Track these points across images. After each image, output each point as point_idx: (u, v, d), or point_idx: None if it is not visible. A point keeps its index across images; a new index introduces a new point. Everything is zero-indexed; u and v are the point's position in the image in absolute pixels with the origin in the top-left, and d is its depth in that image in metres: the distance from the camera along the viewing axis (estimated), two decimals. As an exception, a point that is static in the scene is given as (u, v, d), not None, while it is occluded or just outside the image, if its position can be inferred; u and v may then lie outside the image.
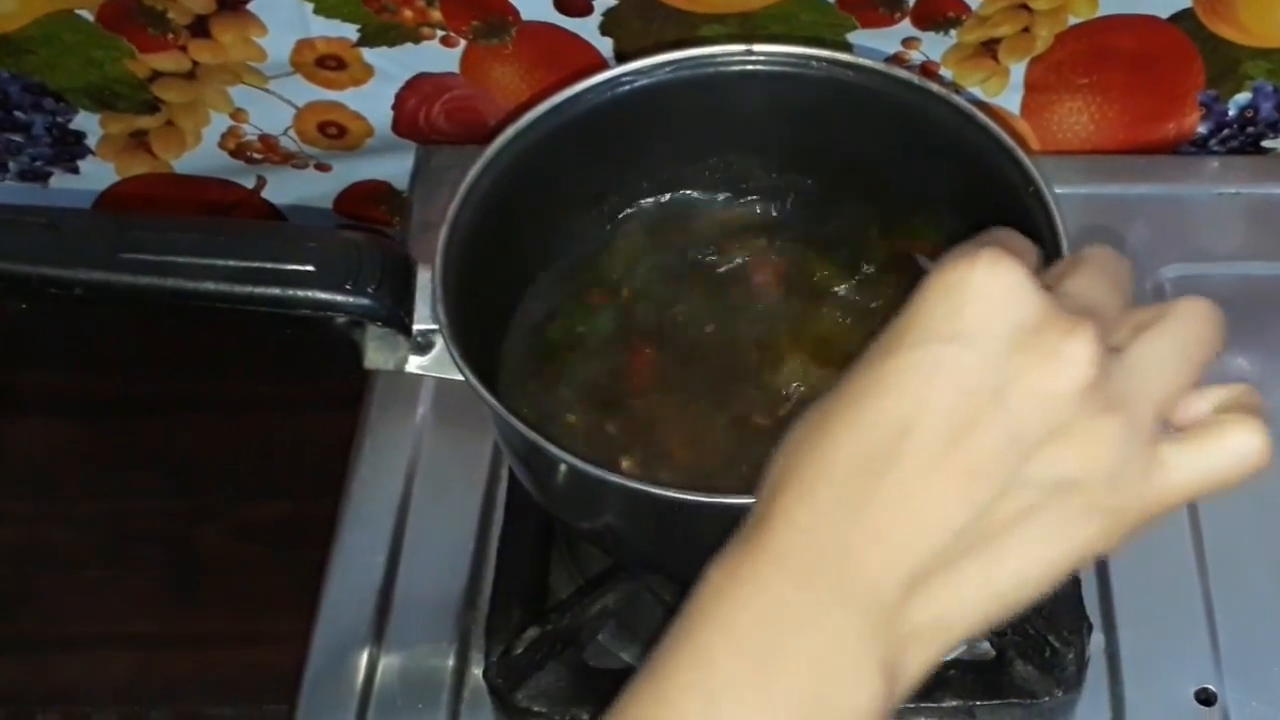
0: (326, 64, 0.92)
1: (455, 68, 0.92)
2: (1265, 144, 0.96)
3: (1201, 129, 0.95)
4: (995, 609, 0.46)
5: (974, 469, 0.45)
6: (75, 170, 1.00)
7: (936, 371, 0.46)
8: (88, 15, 0.89)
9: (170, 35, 0.90)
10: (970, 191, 0.71)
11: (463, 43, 0.91)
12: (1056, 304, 0.46)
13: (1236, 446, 0.48)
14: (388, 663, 0.74)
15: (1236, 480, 0.48)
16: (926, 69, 0.91)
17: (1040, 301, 0.46)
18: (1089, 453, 0.45)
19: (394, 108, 0.95)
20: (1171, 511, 0.48)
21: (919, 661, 0.46)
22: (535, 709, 0.71)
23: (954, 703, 0.70)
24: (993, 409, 0.45)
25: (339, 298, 0.64)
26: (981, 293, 0.46)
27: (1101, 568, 0.75)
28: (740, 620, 0.45)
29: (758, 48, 0.72)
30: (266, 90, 0.94)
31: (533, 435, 0.61)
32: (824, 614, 0.45)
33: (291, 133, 0.97)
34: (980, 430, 0.45)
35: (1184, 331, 0.49)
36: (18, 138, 0.98)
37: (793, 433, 0.48)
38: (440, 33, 0.90)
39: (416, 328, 0.65)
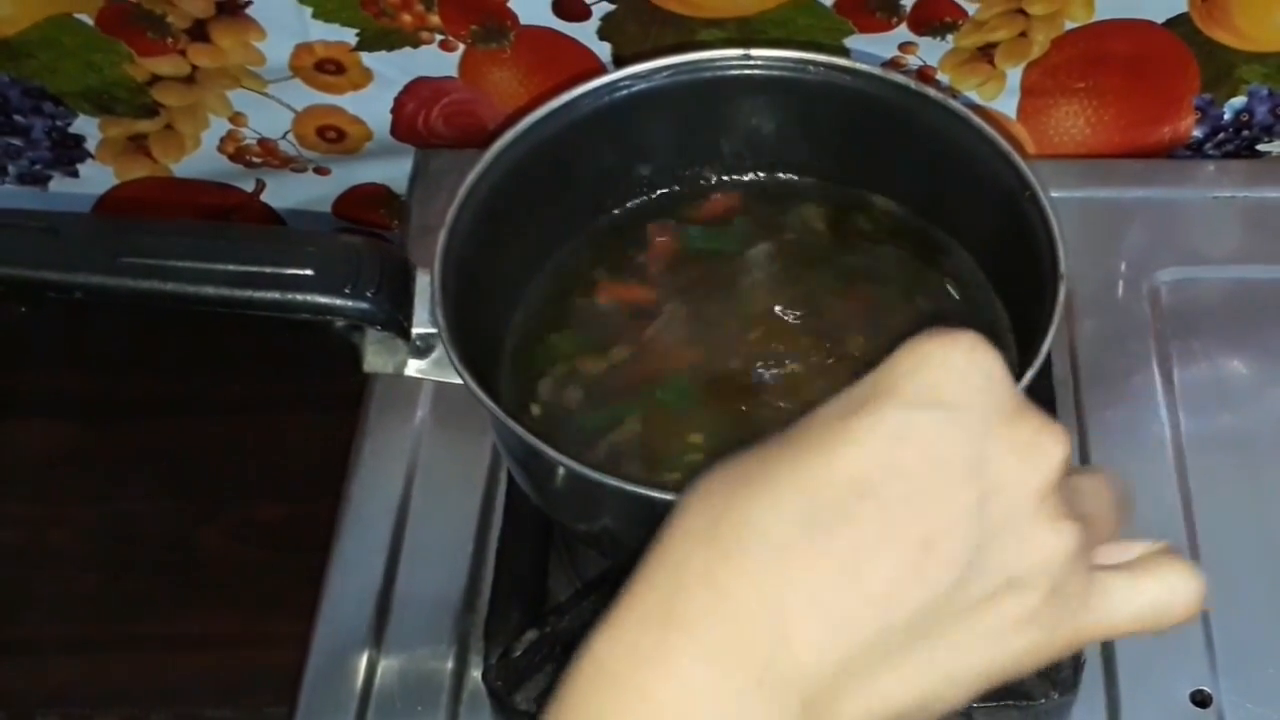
0: (325, 68, 0.92)
1: (454, 72, 0.93)
2: (1260, 148, 0.96)
3: (1197, 133, 0.95)
4: (917, 707, 0.43)
5: (932, 542, 0.42)
6: (74, 174, 1.00)
7: (909, 436, 0.43)
8: (87, 19, 0.89)
9: (169, 39, 0.90)
10: (966, 195, 0.71)
11: (461, 47, 0.91)
12: (1029, 402, 0.45)
13: (1174, 585, 0.47)
14: (387, 665, 0.74)
15: (1169, 620, 0.48)
16: (923, 74, 0.91)
17: (1018, 395, 0.45)
18: (1042, 555, 0.43)
19: (393, 112, 0.95)
20: (1092, 642, 0.48)
21: None
22: (534, 711, 0.71)
23: (950, 705, 0.70)
24: (962, 484, 0.42)
25: (338, 301, 0.64)
26: (964, 372, 0.44)
27: (1097, 570, 0.75)
28: (640, 714, 0.40)
29: (755, 52, 0.72)
30: (265, 94, 0.94)
31: (531, 438, 0.61)
32: (740, 703, 0.40)
33: (290, 137, 0.97)
34: (946, 504, 0.42)
35: (1116, 489, 0.49)
36: (17, 141, 0.98)
37: (715, 476, 0.44)
38: (439, 37, 0.90)
39: (415, 331, 0.66)
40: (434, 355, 0.67)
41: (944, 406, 0.43)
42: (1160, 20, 0.88)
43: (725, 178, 0.76)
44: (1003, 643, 0.44)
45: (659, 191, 0.76)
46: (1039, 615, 0.44)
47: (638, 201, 0.76)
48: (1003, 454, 0.43)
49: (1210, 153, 0.97)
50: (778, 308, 0.71)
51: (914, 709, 0.43)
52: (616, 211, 0.76)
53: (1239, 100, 0.93)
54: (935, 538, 0.42)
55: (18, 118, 0.96)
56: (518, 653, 0.70)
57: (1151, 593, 0.47)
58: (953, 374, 0.44)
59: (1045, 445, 0.44)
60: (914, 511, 0.42)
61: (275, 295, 0.64)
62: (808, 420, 0.44)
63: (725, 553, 0.41)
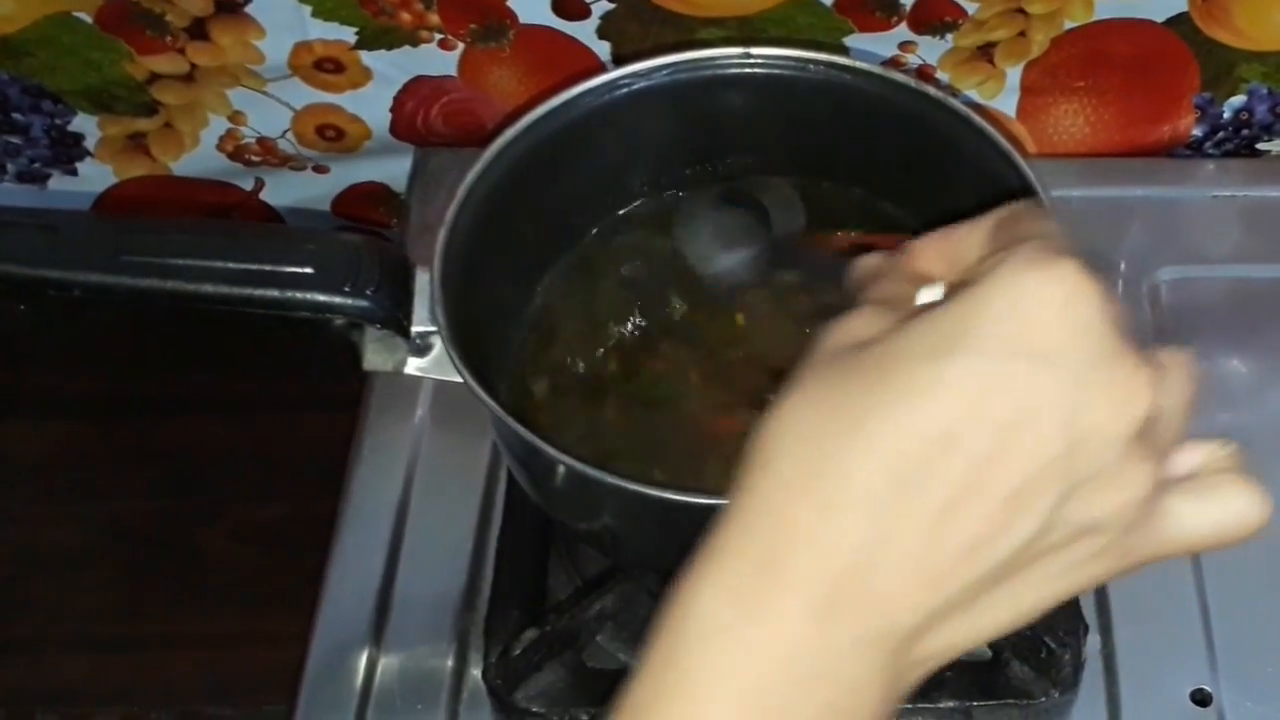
0: (324, 67, 0.92)
1: (453, 71, 0.93)
2: (1260, 146, 0.96)
3: (1197, 132, 0.95)
4: (995, 635, 0.45)
5: (1020, 495, 0.42)
6: (74, 172, 1.00)
7: (1002, 387, 0.42)
8: (86, 18, 0.89)
9: (168, 38, 0.90)
10: (966, 194, 0.71)
11: (461, 46, 0.91)
12: (1122, 336, 0.43)
13: (1239, 507, 0.46)
14: (387, 663, 0.74)
15: (1236, 539, 0.47)
16: (923, 72, 0.91)
17: (1113, 332, 0.43)
18: (1123, 499, 0.43)
19: (392, 110, 0.95)
20: (1165, 560, 0.46)
21: (909, 686, 0.44)
22: (534, 709, 0.71)
23: (951, 703, 0.70)
24: (1052, 438, 0.42)
25: (338, 299, 0.64)
26: (1062, 314, 0.42)
27: (1097, 569, 0.75)
28: (745, 668, 0.41)
29: (755, 51, 0.72)
30: (265, 93, 0.94)
31: (530, 436, 0.61)
32: (840, 658, 0.42)
33: (290, 135, 0.97)
34: (1034, 457, 0.42)
35: (1187, 383, 0.46)
36: (16, 139, 0.98)
37: (795, 412, 0.43)
38: (438, 36, 0.90)
39: (415, 329, 0.66)
40: (433, 353, 0.66)
41: (1039, 356, 0.42)
42: (1160, 19, 0.88)
43: (724, 177, 0.76)
44: (1075, 576, 0.44)
45: (658, 190, 0.76)
46: (1110, 548, 0.44)
47: (637, 200, 0.76)
48: (1095, 402, 0.42)
49: (1210, 152, 0.97)
50: (775, 307, 0.71)
51: (984, 640, 0.44)
52: (616, 210, 0.76)
53: (1239, 99, 0.93)
54: (1021, 492, 0.42)
55: (17, 116, 0.96)
56: (517, 651, 0.70)
57: (1216, 516, 0.46)
58: (1051, 317, 0.42)
59: (1137, 390, 0.43)
60: (1001, 465, 0.42)
61: (275, 293, 0.63)
62: (893, 352, 0.43)
63: (823, 509, 0.42)
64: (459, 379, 0.62)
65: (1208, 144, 0.96)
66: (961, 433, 0.41)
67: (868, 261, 0.51)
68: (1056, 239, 0.45)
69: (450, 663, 0.74)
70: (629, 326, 0.72)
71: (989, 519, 0.42)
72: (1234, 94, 0.93)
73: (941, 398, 0.42)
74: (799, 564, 0.42)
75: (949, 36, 0.89)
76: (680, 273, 0.73)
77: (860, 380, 0.43)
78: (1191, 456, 0.46)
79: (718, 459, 0.67)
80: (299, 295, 0.64)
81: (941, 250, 0.49)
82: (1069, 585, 0.44)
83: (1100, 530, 0.43)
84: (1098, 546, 0.44)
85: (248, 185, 1.02)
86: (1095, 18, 0.88)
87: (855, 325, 0.45)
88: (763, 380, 0.69)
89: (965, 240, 0.48)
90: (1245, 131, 0.95)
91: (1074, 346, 0.42)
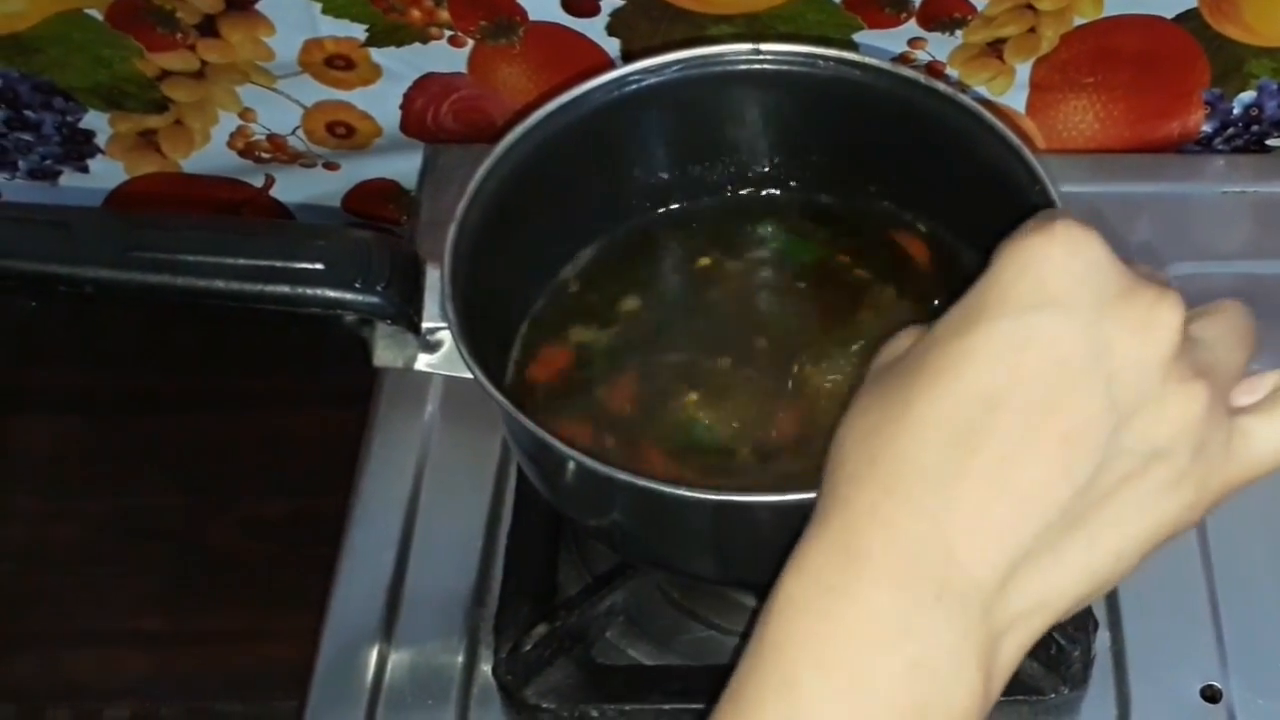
0: (335, 64, 0.92)
1: (463, 68, 0.93)
2: (1270, 143, 0.96)
3: (1206, 128, 0.95)
4: (1091, 587, 0.45)
5: (1072, 437, 0.44)
6: (84, 169, 1.01)
7: (1027, 341, 0.44)
8: (97, 14, 0.89)
9: (179, 34, 0.90)
10: (976, 190, 0.71)
11: (470, 43, 0.91)
12: (1136, 272, 0.46)
13: None
14: (397, 659, 0.74)
15: None
16: (933, 69, 0.91)
17: (1121, 268, 0.45)
18: (1180, 421, 0.45)
19: (402, 107, 0.95)
20: (1250, 484, 0.47)
21: (1014, 649, 0.45)
22: (544, 705, 0.71)
23: (960, 699, 0.70)
24: (1088, 376, 0.44)
25: (348, 296, 0.64)
26: (1065, 264, 0.45)
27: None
28: (828, 634, 0.43)
29: (765, 47, 0.72)
30: (275, 90, 0.94)
31: (541, 432, 0.61)
32: (921, 617, 0.43)
33: (300, 132, 0.97)
34: (1076, 397, 0.44)
35: (1239, 320, 0.49)
36: (27, 136, 0.98)
37: (857, 415, 0.46)
38: (448, 33, 0.90)
39: (425, 325, 0.66)
40: (444, 349, 0.66)
41: (1055, 304, 0.44)
42: (1169, 16, 0.88)
43: (733, 173, 0.76)
44: (1159, 508, 0.45)
45: (668, 187, 0.76)
46: (1188, 474, 0.45)
47: (647, 197, 0.76)
48: (1121, 335, 0.44)
49: (1219, 148, 0.97)
50: (785, 306, 0.71)
51: (1086, 588, 0.45)
52: (625, 206, 0.76)
53: (1248, 95, 0.93)
54: (1072, 432, 0.44)
55: (28, 113, 0.96)
56: (528, 647, 0.70)
57: None
58: (1056, 269, 0.45)
59: (1161, 316, 0.45)
60: (1046, 412, 0.44)
61: (285, 289, 0.64)
62: (927, 344, 0.46)
63: (887, 488, 0.44)
64: (469, 375, 0.62)
65: (1217, 140, 0.96)
66: (1000, 390, 0.44)
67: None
68: (1048, 214, 0.48)
69: (461, 659, 0.74)
70: (641, 323, 0.72)
71: (1046, 464, 0.44)
72: (1244, 90, 0.93)
73: (974, 364, 0.44)
74: (871, 541, 0.44)
75: (958, 33, 0.89)
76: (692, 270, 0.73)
77: (903, 376, 0.46)
78: (1261, 385, 0.49)
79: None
80: (309, 291, 0.64)
81: None
82: (1154, 520, 0.45)
83: (1167, 456, 0.45)
84: (1171, 474, 0.45)
85: (258, 182, 1.02)
86: (1105, 14, 0.88)
87: (897, 342, 0.49)
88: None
89: None
90: (1255, 127, 0.95)
91: (1086, 289, 0.44)
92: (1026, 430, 0.44)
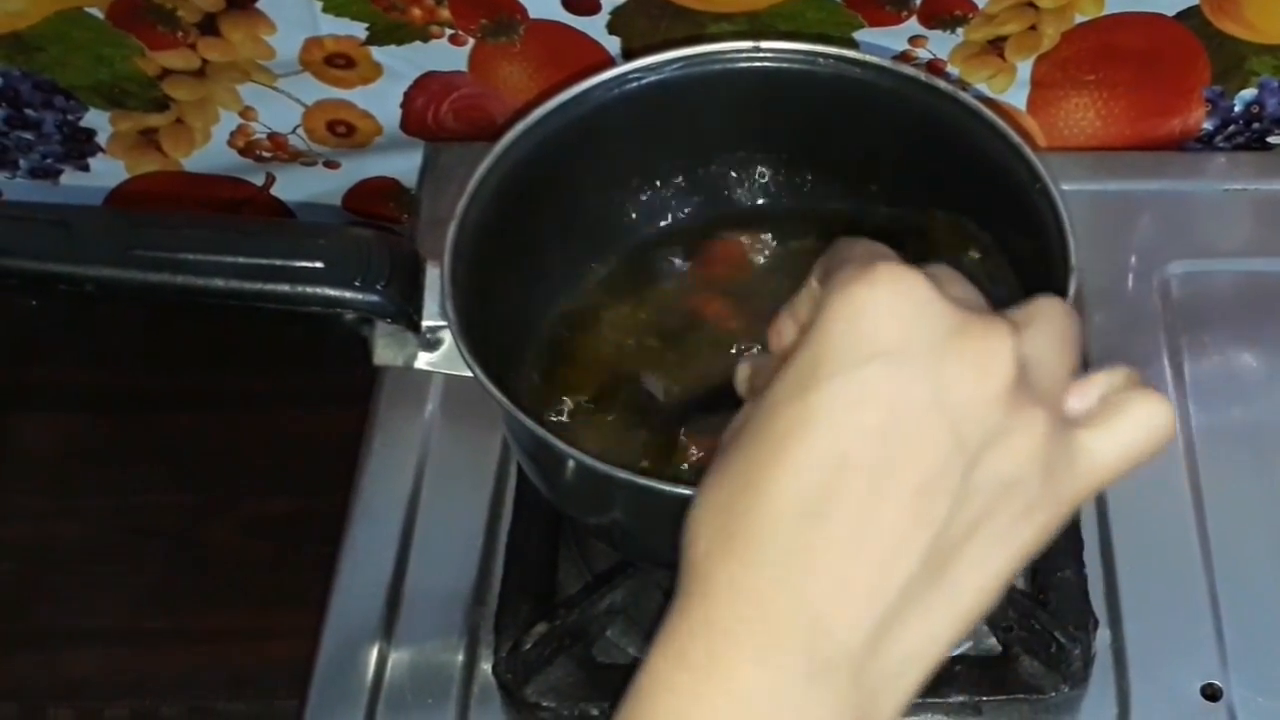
0: (335, 62, 0.92)
1: (464, 66, 0.93)
2: (1271, 140, 0.96)
3: (1207, 125, 0.95)
4: (962, 628, 0.45)
5: (924, 487, 0.43)
6: (85, 168, 1.01)
7: (866, 396, 0.43)
8: (98, 13, 0.89)
9: (180, 33, 0.90)
10: (977, 188, 0.71)
11: (471, 41, 0.91)
12: (961, 307, 0.45)
13: (1147, 419, 0.47)
14: (397, 658, 0.74)
15: (1153, 452, 0.47)
16: (933, 67, 0.91)
17: (948, 307, 0.45)
18: (1025, 450, 0.44)
19: (402, 106, 0.95)
20: (1092, 495, 0.47)
21: (898, 698, 0.44)
22: (544, 704, 0.71)
23: (960, 698, 0.70)
24: (931, 422, 0.43)
25: (348, 294, 0.64)
26: (892, 310, 0.44)
27: (1107, 563, 0.75)
28: (695, 715, 0.42)
29: (765, 44, 0.72)
30: (275, 88, 0.94)
31: (541, 431, 0.61)
32: (791, 694, 0.42)
33: (300, 131, 0.97)
34: (923, 446, 0.43)
35: (1058, 325, 0.48)
36: (28, 135, 0.98)
37: (709, 490, 0.45)
38: (449, 31, 0.90)
39: (425, 324, 0.66)
40: (444, 348, 0.66)
41: (888, 354, 0.44)
42: (1170, 13, 0.88)
43: (733, 170, 0.76)
44: (1017, 538, 0.45)
45: (668, 185, 0.76)
46: (1039, 499, 0.45)
47: (647, 195, 0.76)
48: (959, 375, 0.44)
49: (1221, 145, 0.96)
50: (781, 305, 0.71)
51: (957, 630, 0.45)
52: (625, 205, 0.76)
53: (1249, 92, 0.93)
54: (923, 482, 0.43)
55: (29, 112, 0.96)
56: (528, 645, 0.70)
57: (1128, 434, 0.47)
58: (884, 316, 0.44)
59: (994, 349, 0.44)
60: (895, 466, 0.43)
61: (285, 288, 0.64)
62: (766, 409, 0.45)
63: (745, 562, 0.43)
64: (469, 374, 0.62)
65: (1218, 137, 0.96)
66: (846, 451, 0.43)
67: (743, 369, 0.53)
68: (867, 253, 0.47)
69: (461, 657, 0.74)
70: (640, 321, 0.72)
71: (901, 518, 0.43)
72: (1245, 87, 0.93)
73: (817, 427, 0.43)
74: (733, 616, 0.42)
75: (959, 31, 0.89)
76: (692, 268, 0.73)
77: (750, 445, 0.44)
78: (1090, 390, 0.48)
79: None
80: (309, 290, 0.64)
81: (792, 317, 0.50)
82: (1014, 551, 0.45)
83: (1018, 486, 0.44)
84: (1024, 502, 0.45)
85: (259, 181, 1.02)
86: (1106, 11, 0.88)
87: (742, 414, 0.47)
88: None
89: (803, 298, 0.50)
90: (1256, 125, 0.95)
91: (917, 333, 0.44)
92: (877, 487, 0.43)
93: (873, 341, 0.44)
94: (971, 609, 0.44)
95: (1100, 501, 0.77)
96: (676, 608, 0.44)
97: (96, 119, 0.97)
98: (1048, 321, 0.47)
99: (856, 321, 0.44)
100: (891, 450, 0.43)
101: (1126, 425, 0.47)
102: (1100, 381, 0.48)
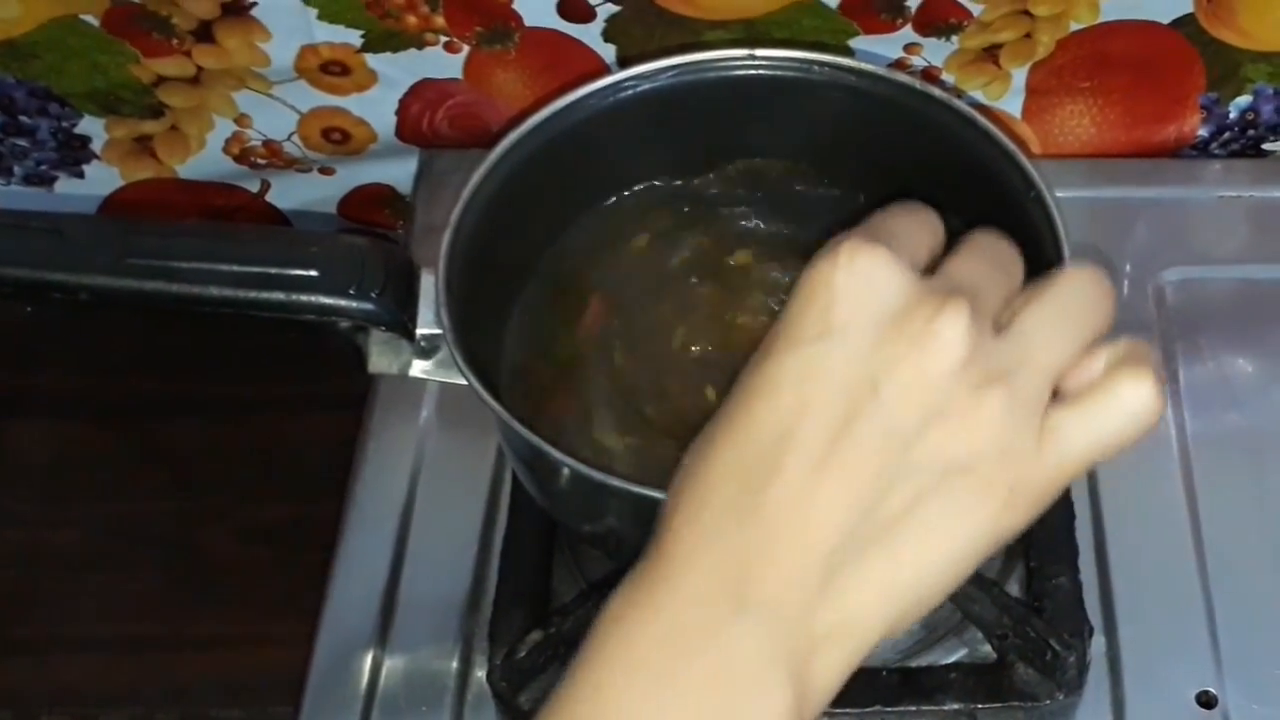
0: (330, 70, 0.92)
1: (458, 74, 0.93)
2: (1266, 147, 0.96)
3: (1202, 132, 0.95)
4: (904, 604, 0.46)
5: (854, 466, 0.45)
6: (80, 175, 1.01)
7: (808, 373, 0.45)
8: (93, 20, 0.89)
9: (174, 40, 0.90)
10: (972, 195, 0.71)
11: (466, 49, 0.91)
12: (924, 285, 0.46)
13: (1127, 402, 0.47)
14: (391, 665, 0.74)
15: (1132, 437, 0.47)
16: (928, 74, 0.91)
17: (905, 285, 0.46)
18: (974, 431, 0.45)
19: (397, 114, 0.95)
20: (1074, 479, 0.47)
21: (831, 666, 0.45)
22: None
23: (955, 705, 0.70)
24: (867, 402, 0.45)
25: (342, 302, 0.64)
26: (846, 287, 0.46)
27: (1102, 570, 0.75)
28: (636, 643, 0.45)
29: (760, 52, 0.72)
30: (270, 96, 0.94)
31: (535, 439, 0.61)
32: (722, 628, 0.44)
33: (295, 138, 0.97)
34: (857, 426, 0.45)
35: (1070, 298, 0.48)
36: (23, 142, 0.98)
37: (687, 452, 0.48)
38: (443, 39, 0.90)
39: (420, 332, 0.66)
40: (438, 356, 0.67)
41: (834, 332, 0.45)
42: (1166, 21, 0.88)
43: (728, 179, 0.76)
44: (965, 520, 0.45)
45: (663, 192, 0.76)
46: (994, 483, 0.45)
47: (642, 203, 0.76)
48: (900, 354, 0.45)
49: (1216, 152, 0.96)
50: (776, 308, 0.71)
51: (896, 606, 0.46)
52: (620, 212, 0.75)
53: (1245, 99, 0.93)
54: (857, 461, 0.45)
55: (23, 118, 0.96)
56: (522, 654, 0.70)
57: (1104, 420, 0.47)
58: (837, 295, 0.46)
59: (940, 329, 0.45)
60: (831, 442, 0.45)
61: (280, 296, 0.64)
62: (740, 375, 0.47)
63: (687, 518, 0.46)
64: (464, 381, 0.62)
65: (1214, 144, 0.96)
66: (787, 425, 0.45)
67: None
68: (867, 225, 0.49)
69: (455, 665, 0.74)
70: (635, 327, 0.72)
71: (832, 490, 0.45)
72: (1240, 94, 0.93)
73: (763, 400, 0.46)
74: (679, 565, 0.46)
75: (954, 38, 0.89)
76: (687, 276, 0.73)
77: (718, 411, 0.48)
78: (1091, 366, 0.48)
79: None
80: (304, 298, 0.64)
81: None
82: (963, 534, 0.45)
83: (967, 469, 0.45)
84: (974, 485, 0.45)
85: (254, 188, 1.02)
86: (1101, 19, 0.88)
87: None
88: None
89: None
90: (1251, 132, 0.95)
91: (864, 312, 0.45)
92: (812, 464, 0.45)
93: (824, 319, 0.46)
94: (911, 586, 0.45)
95: (1095, 508, 0.77)
96: (639, 561, 0.47)
97: (91, 126, 0.97)
98: (1057, 296, 0.48)
99: (812, 299, 0.46)
100: (828, 428, 0.45)
101: (1103, 410, 0.47)
102: (1107, 353, 0.48)
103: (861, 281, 0.46)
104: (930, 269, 0.49)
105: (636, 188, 0.76)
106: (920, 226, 0.51)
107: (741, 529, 0.45)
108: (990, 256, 0.50)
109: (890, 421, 0.45)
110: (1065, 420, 0.46)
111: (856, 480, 0.45)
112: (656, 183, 0.76)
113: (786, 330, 0.47)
